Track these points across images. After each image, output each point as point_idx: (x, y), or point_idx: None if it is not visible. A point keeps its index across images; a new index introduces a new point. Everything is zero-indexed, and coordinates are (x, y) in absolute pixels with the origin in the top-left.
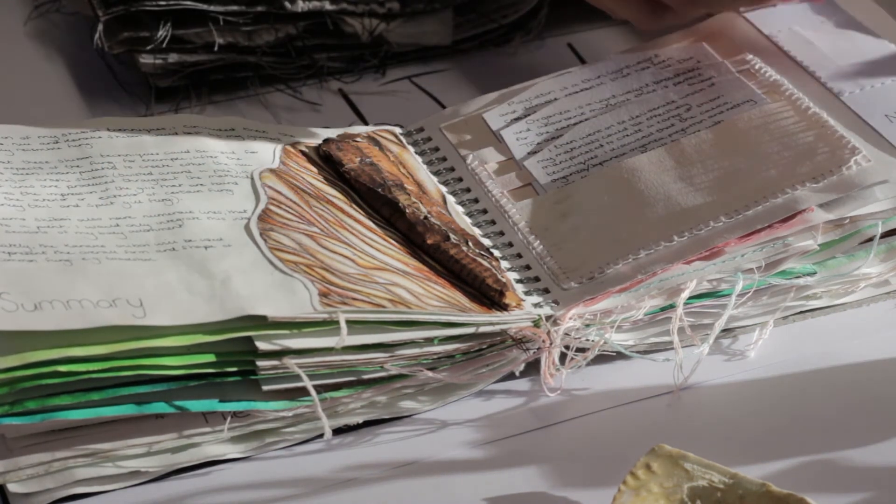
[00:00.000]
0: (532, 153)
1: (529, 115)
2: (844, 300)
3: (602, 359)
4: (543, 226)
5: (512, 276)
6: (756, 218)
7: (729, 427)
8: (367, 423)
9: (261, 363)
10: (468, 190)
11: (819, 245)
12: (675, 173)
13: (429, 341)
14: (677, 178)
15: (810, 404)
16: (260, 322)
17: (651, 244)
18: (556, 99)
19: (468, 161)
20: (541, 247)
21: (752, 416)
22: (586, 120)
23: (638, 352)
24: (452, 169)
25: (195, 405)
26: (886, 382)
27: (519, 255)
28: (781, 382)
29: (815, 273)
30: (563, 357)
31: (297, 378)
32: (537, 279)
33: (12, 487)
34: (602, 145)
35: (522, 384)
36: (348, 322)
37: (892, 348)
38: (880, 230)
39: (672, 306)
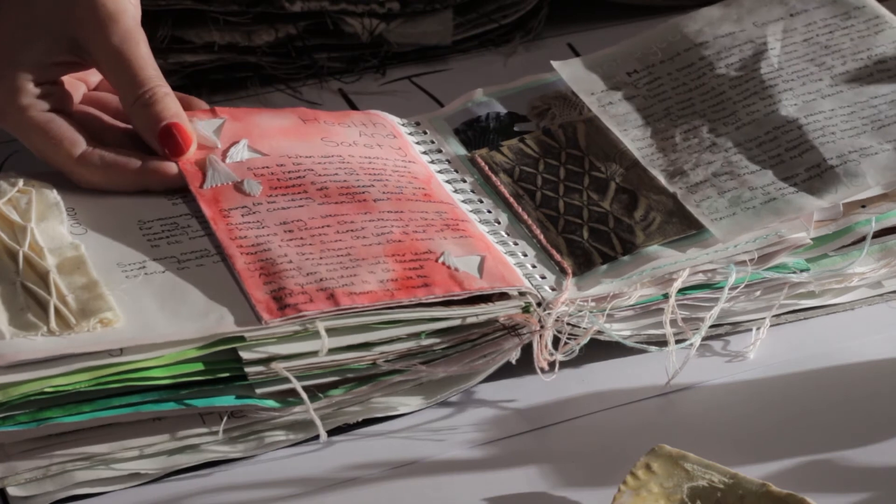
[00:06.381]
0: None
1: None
2: (839, 300)
3: (601, 358)
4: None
5: (510, 260)
6: None
7: (729, 427)
8: (367, 423)
9: (249, 370)
10: (464, 180)
11: (812, 240)
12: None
13: (415, 336)
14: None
15: (810, 404)
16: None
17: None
18: None
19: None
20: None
21: (752, 416)
22: None
23: (633, 342)
24: (448, 160)
25: (200, 402)
26: (886, 382)
27: (516, 243)
28: (781, 383)
29: (808, 270)
30: (557, 344)
31: (289, 380)
32: (534, 266)
33: (12, 491)
34: None
35: (523, 384)
36: (329, 328)
37: (890, 348)
38: (873, 227)
39: (666, 297)
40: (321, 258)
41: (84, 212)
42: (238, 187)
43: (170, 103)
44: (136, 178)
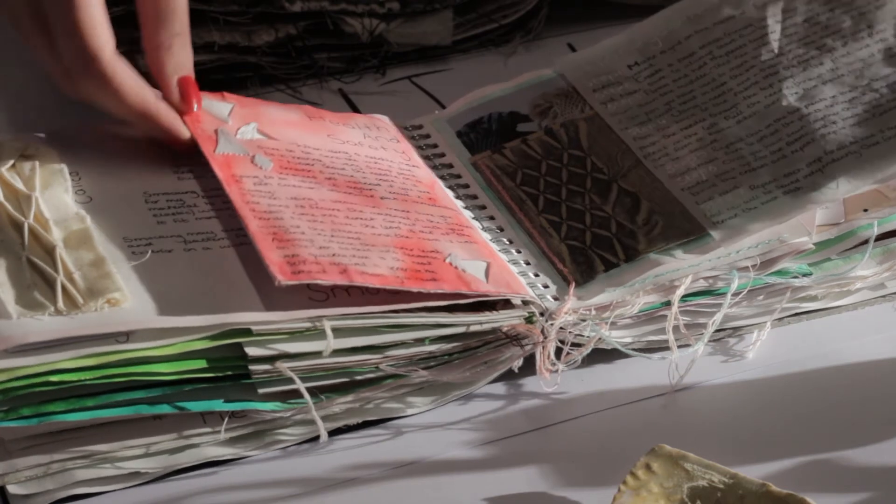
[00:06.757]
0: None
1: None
2: (841, 302)
3: (601, 359)
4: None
5: (513, 269)
6: None
7: (729, 427)
8: (367, 423)
9: (254, 367)
10: (466, 186)
11: (814, 245)
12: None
13: (420, 342)
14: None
15: (810, 404)
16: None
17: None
18: None
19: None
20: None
21: (752, 416)
22: None
23: (635, 349)
24: (451, 165)
25: (197, 405)
26: (886, 382)
27: (518, 251)
28: (781, 383)
29: (810, 274)
30: (560, 353)
31: (293, 380)
32: (537, 275)
33: (12, 489)
34: None
35: (523, 384)
36: (335, 328)
37: (891, 348)
38: (876, 231)
39: (668, 304)
40: (332, 236)
41: (88, 177)
42: (250, 160)
43: (190, 59)
44: (150, 111)
